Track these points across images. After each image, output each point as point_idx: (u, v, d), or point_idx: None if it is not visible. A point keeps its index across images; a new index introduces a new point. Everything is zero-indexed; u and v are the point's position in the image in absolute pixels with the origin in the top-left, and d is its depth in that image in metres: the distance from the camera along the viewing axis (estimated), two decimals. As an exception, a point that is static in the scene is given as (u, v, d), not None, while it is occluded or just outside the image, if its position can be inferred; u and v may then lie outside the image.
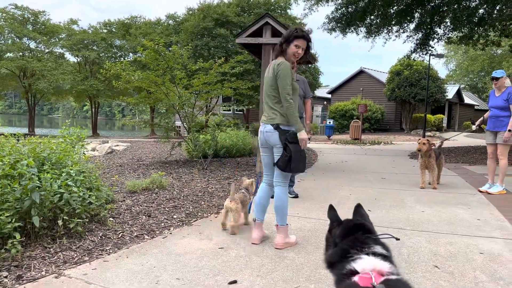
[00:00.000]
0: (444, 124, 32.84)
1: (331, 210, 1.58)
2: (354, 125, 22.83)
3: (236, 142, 10.27)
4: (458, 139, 24.97)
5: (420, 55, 15.56)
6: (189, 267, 2.92)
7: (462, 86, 56.50)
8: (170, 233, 3.73)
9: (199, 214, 4.39)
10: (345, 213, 1.88)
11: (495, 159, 5.88)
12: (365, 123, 28.74)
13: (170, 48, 8.74)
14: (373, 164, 9.66)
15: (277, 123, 3.32)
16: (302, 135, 3.28)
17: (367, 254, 1.31)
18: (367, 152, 13.47)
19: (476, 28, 13.14)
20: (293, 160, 3.20)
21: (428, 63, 24.19)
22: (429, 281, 2.67)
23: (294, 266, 2.96)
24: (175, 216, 4.24)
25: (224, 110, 29.40)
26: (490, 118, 5.84)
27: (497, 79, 5.64)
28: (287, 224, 3.42)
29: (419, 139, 6.18)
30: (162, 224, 3.96)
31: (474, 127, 6.26)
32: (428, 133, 26.56)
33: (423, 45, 15.05)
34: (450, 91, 33.83)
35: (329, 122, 25.79)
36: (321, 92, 40.18)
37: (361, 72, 33.54)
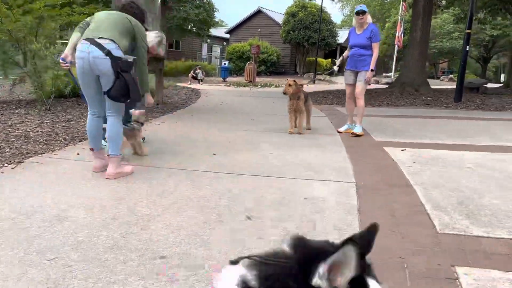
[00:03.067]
0: (336, 68, 34.11)
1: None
2: (249, 67, 22.47)
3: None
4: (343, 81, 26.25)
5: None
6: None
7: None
8: None
9: None
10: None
11: (354, 100, 5.79)
12: (261, 66, 28.60)
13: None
14: (250, 106, 9.36)
15: (111, 48, 3.03)
16: (149, 98, 3.62)
17: None
18: (253, 94, 13.22)
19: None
20: (130, 90, 3.05)
21: (321, 5, 24.31)
22: (239, 233, 2.29)
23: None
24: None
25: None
26: (351, 57, 5.58)
27: (364, 13, 5.36)
28: (120, 155, 3.32)
29: (287, 79, 5.74)
30: None
31: (335, 67, 6.01)
32: (318, 77, 27.42)
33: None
34: (342, 36, 34.92)
35: (225, 64, 25.10)
36: (220, 32, 38.80)
37: (259, 12, 32.84)
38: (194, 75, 20.67)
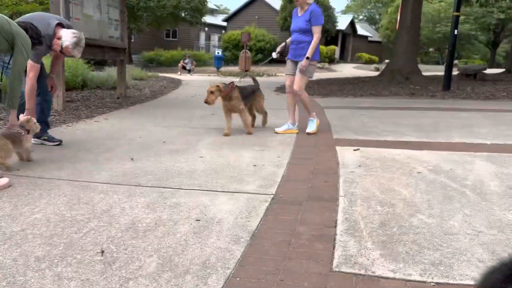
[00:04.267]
0: (337, 56, 33.34)
1: None
2: (243, 56, 21.84)
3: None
4: (343, 70, 25.46)
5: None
6: None
7: (360, 17, 57.91)
8: None
9: None
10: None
11: (294, 95, 5.10)
12: (258, 54, 27.87)
13: None
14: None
15: None
16: (14, 118, 3.20)
17: None
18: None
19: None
20: None
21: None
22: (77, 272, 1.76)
23: None
24: None
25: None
26: (291, 44, 4.91)
27: None
28: None
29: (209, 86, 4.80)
30: None
31: (274, 55, 5.25)
32: (318, 64, 26.67)
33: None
34: (344, 22, 34.04)
35: (218, 53, 24.44)
36: (218, 20, 38.06)
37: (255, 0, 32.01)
38: (184, 65, 20.09)
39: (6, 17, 2.89)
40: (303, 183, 3.15)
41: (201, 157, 3.88)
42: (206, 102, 4.69)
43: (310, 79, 4.95)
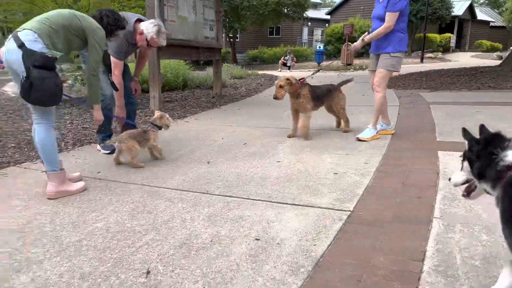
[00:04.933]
0: (452, 44, 30.25)
1: (465, 132, 1.60)
2: (345, 48, 21.01)
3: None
4: (460, 59, 22.82)
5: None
6: None
7: (481, 1, 51.77)
8: None
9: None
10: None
11: None
12: (365, 46, 26.58)
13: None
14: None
15: (30, 35, 2.56)
16: (98, 113, 3.09)
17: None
18: (336, 79, 12.05)
19: None
20: (35, 88, 2.51)
21: (429, -26, 21.44)
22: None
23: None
24: None
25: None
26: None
27: None
28: (61, 170, 2.81)
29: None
30: None
31: (354, 46, 4.39)
32: (429, 54, 24.44)
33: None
34: (461, 7, 30.70)
35: (319, 47, 23.88)
36: (321, 14, 37.30)
37: (362, -11, 30.51)
38: (285, 61, 20.00)
39: (75, 12, 2.88)
40: (389, 198, 2.68)
41: (278, 161, 3.61)
42: (275, 97, 4.26)
43: (395, 73, 4.30)
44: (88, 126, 5.09)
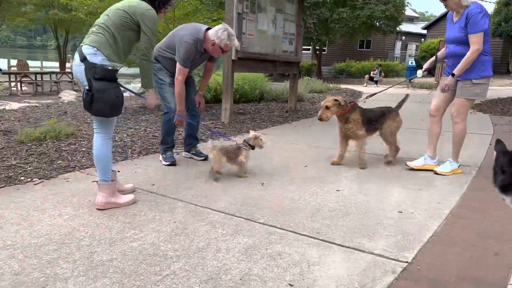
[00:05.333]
0: (419, 74, 26.59)
1: (499, 143, 1.61)
2: (438, 65, 19.53)
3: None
4: None
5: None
6: None
7: None
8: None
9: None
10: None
11: (440, 120, 3.89)
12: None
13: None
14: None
15: (90, 48, 2.66)
16: (151, 97, 3.02)
17: None
18: (425, 99, 11.17)
19: None
20: (96, 100, 2.59)
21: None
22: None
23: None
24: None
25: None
26: (448, 59, 3.72)
27: None
28: (112, 181, 2.83)
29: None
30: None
31: (419, 73, 3.98)
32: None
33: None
34: None
35: (411, 63, 22.62)
36: (417, 28, 35.41)
37: (464, 2, 28.30)
38: (372, 76, 19.22)
39: (117, 4, 2.82)
40: (459, 251, 2.27)
41: (338, 190, 3.31)
42: (320, 119, 3.90)
43: (481, 99, 3.70)
44: (158, 135, 5.23)
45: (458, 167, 3.81)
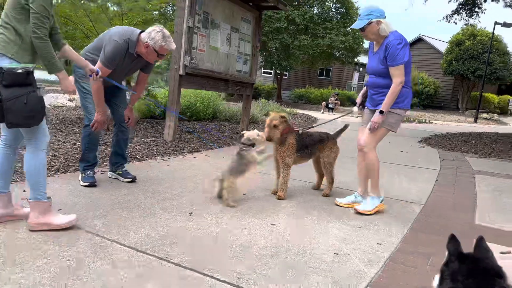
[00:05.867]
0: (511, 107, 28.45)
1: (452, 241, 1.36)
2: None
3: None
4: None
5: (464, 18, 12.60)
6: None
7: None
8: None
9: None
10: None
11: None
12: (413, 98, 25.54)
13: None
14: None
15: None
16: (63, 83, 2.51)
17: None
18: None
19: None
20: (7, 111, 2.22)
21: (492, 32, 20.44)
22: None
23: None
24: None
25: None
26: (369, 89, 3.53)
27: (363, 29, 3.28)
28: (45, 200, 2.49)
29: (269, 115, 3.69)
30: None
31: (355, 109, 3.74)
32: (484, 115, 22.98)
33: (468, 5, 12.10)
34: (525, 69, 28.98)
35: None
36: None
37: (419, 40, 29.78)
38: (329, 103, 19.47)
39: None
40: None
41: (273, 224, 2.99)
42: (269, 139, 3.55)
43: (392, 131, 3.52)
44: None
45: (381, 202, 3.50)
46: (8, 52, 2.30)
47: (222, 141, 6.68)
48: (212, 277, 2.12)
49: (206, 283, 2.04)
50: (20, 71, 2.25)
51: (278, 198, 3.66)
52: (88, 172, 3.49)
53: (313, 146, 3.79)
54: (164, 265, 2.21)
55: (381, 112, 3.24)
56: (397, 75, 3.17)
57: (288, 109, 14.68)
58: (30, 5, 2.29)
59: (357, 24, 3.26)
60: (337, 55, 24.89)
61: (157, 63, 6.79)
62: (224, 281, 2.08)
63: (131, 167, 4.14)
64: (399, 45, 3.16)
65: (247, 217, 3.10)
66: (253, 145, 3.48)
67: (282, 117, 3.59)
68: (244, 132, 3.56)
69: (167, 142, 5.81)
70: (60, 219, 2.52)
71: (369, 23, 3.22)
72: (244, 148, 3.45)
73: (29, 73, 2.31)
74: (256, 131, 3.53)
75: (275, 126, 3.54)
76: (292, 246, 2.61)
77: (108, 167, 3.89)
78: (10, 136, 2.54)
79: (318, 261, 2.43)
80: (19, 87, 2.25)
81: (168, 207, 3.16)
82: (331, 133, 3.98)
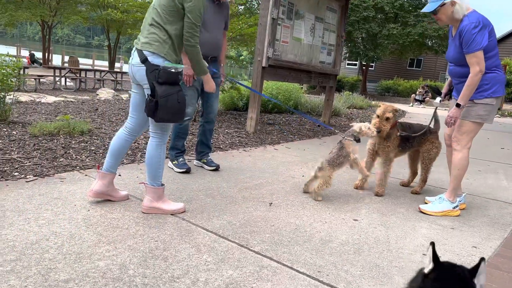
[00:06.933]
0: (438, 100, 24.15)
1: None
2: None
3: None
4: None
5: None
6: None
7: None
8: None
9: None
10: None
11: None
12: (512, 87, 22.87)
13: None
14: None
15: (147, 51, 2.47)
16: (207, 85, 2.85)
17: None
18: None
19: None
20: (161, 107, 2.42)
21: None
22: None
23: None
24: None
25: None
26: (452, 79, 3.16)
27: (435, 12, 2.89)
28: (160, 186, 2.68)
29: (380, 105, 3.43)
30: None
31: (437, 100, 3.36)
32: None
33: None
34: None
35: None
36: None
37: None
38: (418, 94, 18.33)
39: None
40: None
41: (355, 220, 2.88)
42: (379, 131, 3.29)
43: (487, 123, 3.05)
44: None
45: (455, 207, 3.12)
46: (161, 51, 2.48)
47: (303, 134, 6.62)
48: (291, 268, 2.10)
49: (286, 273, 2.03)
50: (173, 70, 2.45)
51: (376, 195, 3.50)
52: (180, 159, 3.68)
53: (414, 139, 3.54)
54: (245, 252, 2.24)
55: (458, 105, 2.92)
56: (474, 63, 2.81)
57: (373, 102, 14.08)
58: (188, 14, 2.47)
59: (428, 7, 2.94)
60: (429, 44, 23.27)
61: (241, 57, 6.90)
62: (303, 273, 2.05)
63: (215, 156, 4.27)
64: (475, 29, 2.78)
65: (328, 211, 3.02)
66: (359, 139, 3.26)
67: (395, 110, 3.37)
68: (353, 123, 3.36)
69: (249, 133, 5.91)
70: (169, 206, 2.69)
71: (442, 5, 2.88)
72: (348, 138, 3.25)
73: (179, 73, 2.51)
74: (367, 123, 3.30)
75: (387, 118, 3.31)
76: (376, 244, 2.49)
77: (194, 155, 4.06)
78: (137, 127, 2.75)
79: (405, 261, 2.28)
80: (171, 86, 2.44)
81: (249, 196, 3.20)
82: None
